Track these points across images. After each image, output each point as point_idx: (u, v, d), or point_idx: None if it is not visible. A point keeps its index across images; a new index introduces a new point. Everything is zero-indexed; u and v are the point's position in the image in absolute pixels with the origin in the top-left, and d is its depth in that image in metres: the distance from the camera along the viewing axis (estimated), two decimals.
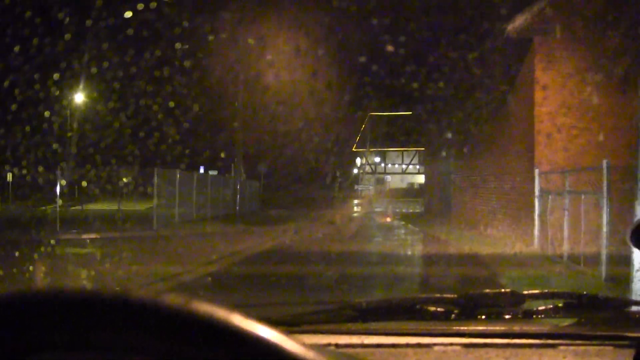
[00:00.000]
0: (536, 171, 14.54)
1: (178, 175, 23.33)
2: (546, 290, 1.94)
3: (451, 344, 1.56)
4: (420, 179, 60.94)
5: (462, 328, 1.67)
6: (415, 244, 17.86)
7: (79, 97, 31.83)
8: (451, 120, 21.92)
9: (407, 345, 1.55)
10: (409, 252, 15.13)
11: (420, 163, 62.18)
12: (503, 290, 1.83)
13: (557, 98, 14.87)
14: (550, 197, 13.55)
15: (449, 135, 22.91)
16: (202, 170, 41.64)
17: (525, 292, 1.81)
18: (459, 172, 22.29)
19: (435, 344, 1.56)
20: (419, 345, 1.55)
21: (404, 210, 39.63)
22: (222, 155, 35.15)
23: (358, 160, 65.79)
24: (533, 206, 14.59)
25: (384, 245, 15.88)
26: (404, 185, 65.69)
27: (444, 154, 24.75)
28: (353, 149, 64.57)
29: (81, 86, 25.28)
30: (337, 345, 1.53)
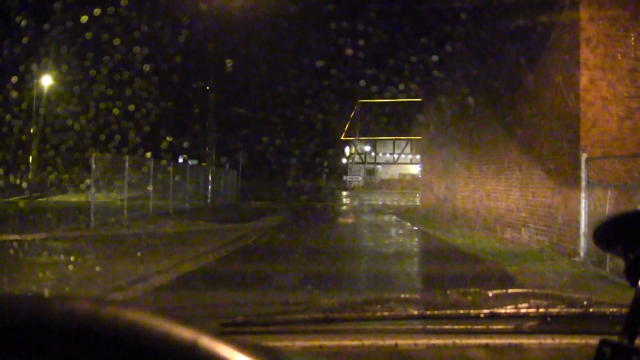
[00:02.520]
0: (583, 157, 10.71)
1: (127, 163, 19.34)
2: (512, 290, 1.92)
3: (416, 344, 1.57)
4: (413, 169, 58.10)
5: (427, 327, 1.69)
6: (420, 255, 13.91)
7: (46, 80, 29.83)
8: (460, 97, 18.07)
9: (372, 346, 1.56)
10: (413, 270, 11.20)
11: (413, 152, 58.96)
12: (468, 289, 1.84)
13: (611, 58, 11.04)
14: (609, 191, 9.73)
15: (457, 116, 19.08)
16: (180, 160, 38.39)
17: (491, 293, 1.82)
18: (467, 160, 18.36)
19: (400, 344, 1.57)
20: (384, 346, 1.56)
21: (396, 203, 35.88)
22: (186, 144, 31.37)
23: (347, 150, 62.26)
24: (577, 203, 10.78)
25: (375, 260, 11.94)
26: (395, 176, 62.15)
27: (447, 139, 20.85)
28: (342, 138, 61.12)
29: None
30: (300, 347, 1.54)
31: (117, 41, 16.37)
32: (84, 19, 14.65)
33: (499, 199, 15.43)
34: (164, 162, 23.96)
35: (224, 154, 38.54)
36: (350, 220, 23.91)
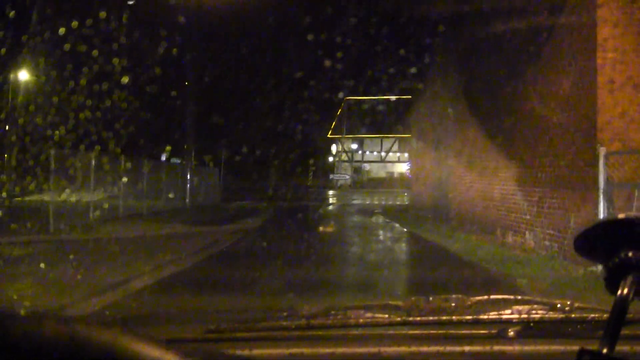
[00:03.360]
0: (601, 151, 9.31)
1: (93, 160, 17.78)
2: (494, 296, 1.87)
3: (399, 351, 1.57)
4: (400, 167, 57.17)
5: (409, 332, 1.69)
6: (413, 264, 12.37)
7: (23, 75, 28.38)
8: (455, 90, 16.69)
9: (355, 353, 1.56)
10: (406, 282, 9.69)
11: (400, 150, 57.85)
12: (451, 295, 1.83)
13: (633, 38, 9.64)
14: (636, 191, 8.35)
15: (451, 109, 17.68)
16: (163, 158, 37.03)
17: (474, 299, 1.80)
18: (462, 157, 16.91)
19: (383, 351, 1.57)
20: (367, 353, 1.56)
21: (384, 202, 34.48)
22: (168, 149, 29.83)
23: (334, 148, 60.93)
24: (594, 205, 9.38)
25: (362, 271, 10.41)
26: (383, 174, 60.92)
27: (439, 135, 19.43)
28: (328, 135, 59.76)
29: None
30: (283, 354, 1.54)
31: (95, 53, 15.13)
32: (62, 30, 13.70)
33: (498, 199, 14.01)
34: (140, 159, 22.41)
35: (207, 151, 37.09)
36: (335, 222, 22.41)
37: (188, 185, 28.03)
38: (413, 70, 23.88)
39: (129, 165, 19.59)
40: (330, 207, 33.54)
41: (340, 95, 50.32)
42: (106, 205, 19.07)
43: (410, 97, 28.45)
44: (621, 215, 1.13)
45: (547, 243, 11.20)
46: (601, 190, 9.24)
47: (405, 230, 17.78)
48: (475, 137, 15.55)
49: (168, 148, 29.29)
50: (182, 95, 29.15)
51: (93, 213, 17.65)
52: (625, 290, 1.06)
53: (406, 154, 57.15)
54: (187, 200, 27.81)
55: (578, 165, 10.04)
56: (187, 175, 28.04)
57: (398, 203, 33.60)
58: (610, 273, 1.09)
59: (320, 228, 19.43)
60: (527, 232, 12.26)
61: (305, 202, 34.78)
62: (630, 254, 1.08)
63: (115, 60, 15.50)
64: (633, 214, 1.60)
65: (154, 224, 18.01)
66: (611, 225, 1.12)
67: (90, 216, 17.50)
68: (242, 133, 40.51)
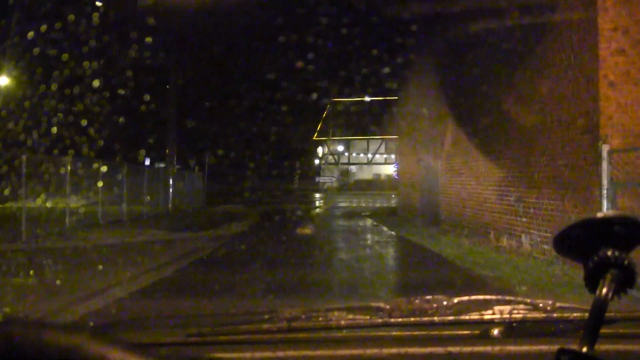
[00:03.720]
0: (604, 149, 8.77)
1: (69, 165, 17.04)
2: (476, 297, 1.83)
3: (382, 353, 1.56)
4: (388, 169, 56.84)
5: (392, 334, 1.69)
6: (403, 271, 11.69)
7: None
8: (445, 86, 16.13)
9: (338, 356, 1.56)
10: (394, 291, 9.04)
11: (387, 152, 57.47)
12: (432, 296, 1.82)
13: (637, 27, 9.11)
14: None
15: (440, 107, 17.12)
16: (147, 162, 36.37)
17: (455, 299, 1.79)
18: (452, 157, 16.34)
19: (366, 353, 1.56)
20: (350, 355, 1.56)
21: (371, 205, 33.91)
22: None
23: (320, 150, 60.31)
24: (596, 206, 8.83)
25: (350, 281, 9.72)
26: (370, 176, 60.44)
27: (429, 134, 18.86)
28: (314, 138, 59.14)
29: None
30: (265, 357, 1.55)
31: (66, 56, 14.51)
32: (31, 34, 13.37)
33: (491, 200, 13.44)
34: (117, 163, 21.65)
35: (192, 155, 36.39)
36: (322, 226, 21.76)
37: (170, 190, 27.30)
38: (399, 69, 23.35)
39: (104, 169, 18.83)
40: (317, 210, 32.94)
41: (323, 97, 49.81)
42: (82, 211, 18.38)
43: (397, 97, 27.89)
44: (600, 214, 1.14)
45: (545, 247, 10.63)
46: (604, 190, 8.69)
47: (393, 233, 17.17)
48: (467, 136, 14.98)
49: (142, 151, 28.50)
50: (163, 98, 28.45)
51: (69, 219, 16.92)
52: (605, 289, 1.08)
53: (393, 156, 56.81)
54: (170, 205, 27.08)
55: (578, 164, 9.49)
56: (169, 180, 27.31)
57: (385, 205, 33.06)
58: (590, 272, 1.11)
59: (306, 232, 18.75)
60: (523, 235, 11.69)
61: (292, 205, 34.14)
62: (609, 253, 1.10)
63: (86, 64, 14.86)
64: (612, 212, 1.57)
65: (133, 230, 17.30)
66: (590, 224, 1.14)
67: (67, 223, 16.77)
68: (226, 137, 39.81)
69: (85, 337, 0.71)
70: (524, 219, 11.54)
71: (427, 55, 18.67)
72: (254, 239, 15.70)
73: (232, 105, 39.01)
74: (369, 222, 21.84)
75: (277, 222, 22.63)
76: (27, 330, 0.71)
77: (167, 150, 28.43)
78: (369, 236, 17.46)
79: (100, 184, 18.54)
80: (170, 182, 27.32)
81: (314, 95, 43.92)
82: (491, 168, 13.38)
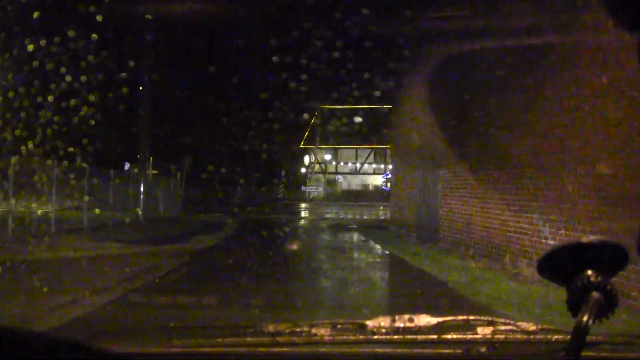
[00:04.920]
0: None
1: (17, 166, 14.74)
2: (460, 317, 1.83)
3: None
4: (376, 179, 55.25)
5: (375, 351, 1.71)
6: (399, 305, 9.36)
7: None
8: (447, 86, 14.09)
9: None
10: None
11: (376, 162, 55.64)
12: (416, 315, 1.79)
13: None
14: None
15: (442, 109, 15.07)
16: (127, 166, 34.24)
17: (439, 319, 1.77)
18: (456, 166, 14.17)
19: None
20: None
21: (359, 217, 31.78)
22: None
23: (306, 158, 58.22)
24: None
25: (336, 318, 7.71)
26: (358, 187, 58.42)
27: (427, 140, 16.71)
28: (301, 146, 57.01)
29: None
30: None
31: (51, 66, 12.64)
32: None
33: (506, 216, 11.29)
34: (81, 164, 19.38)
35: (171, 159, 34.17)
36: (305, 241, 19.52)
37: (141, 196, 25.01)
38: (395, 75, 21.43)
39: (55, 170, 16.59)
40: (302, 222, 30.76)
41: (313, 106, 47.87)
42: (34, 217, 16.18)
43: (390, 105, 25.85)
44: (584, 239, 1.16)
45: None
46: None
47: (386, 252, 15.00)
48: (473, 142, 12.87)
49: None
50: (136, 100, 26.25)
51: (12, 226, 14.65)
52: (586, 312, 1.10)
53: (382, 166, 54.79)
54: (141, 213, 24.75)
55: (636, 172, 7.37)
56: (140, 186, 25.02)
57: (374, 218, 30.99)
58: (572, 295, 1.14)
59: (285, 249, 16.48)
60: None
61: (275, 215, 31.91)
62: (592, 277, 1.14)
63: (50, 66, 12.87)
64: (595, 237, 1.41)
65: (86, 241, 15.02)
66: (575, 248, 1.15)
67: (9, 231, 14.50)
68: (208, 142, 37.66)
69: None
70: (551, 242, 9.39)
71: (427, 56, 16.66)
72: (221, 258, 13.43)
73: (220, 115, 37.01)
74: (357, 236, 19.66)
75: (256, 235, 20.32)
76: None
77: (138, 155, 26.17)
78: (356, 255, 15.23)
79: (48, 188, 16.30)
80: (142, 189, 25.04)
81: (305, 116, 42.11)
82: (506, 177, 11.24)
